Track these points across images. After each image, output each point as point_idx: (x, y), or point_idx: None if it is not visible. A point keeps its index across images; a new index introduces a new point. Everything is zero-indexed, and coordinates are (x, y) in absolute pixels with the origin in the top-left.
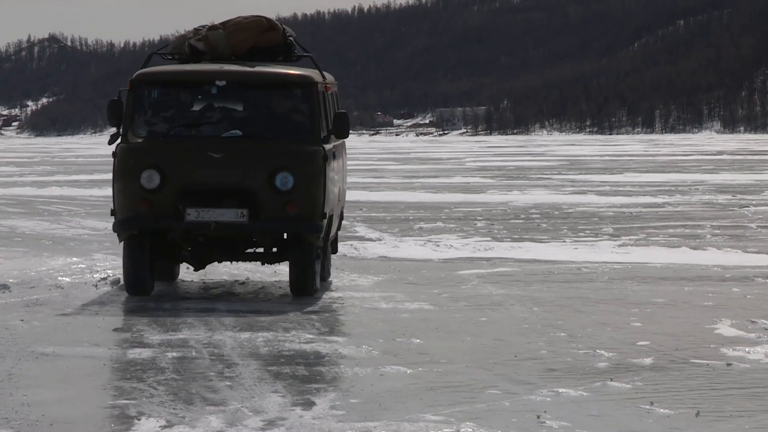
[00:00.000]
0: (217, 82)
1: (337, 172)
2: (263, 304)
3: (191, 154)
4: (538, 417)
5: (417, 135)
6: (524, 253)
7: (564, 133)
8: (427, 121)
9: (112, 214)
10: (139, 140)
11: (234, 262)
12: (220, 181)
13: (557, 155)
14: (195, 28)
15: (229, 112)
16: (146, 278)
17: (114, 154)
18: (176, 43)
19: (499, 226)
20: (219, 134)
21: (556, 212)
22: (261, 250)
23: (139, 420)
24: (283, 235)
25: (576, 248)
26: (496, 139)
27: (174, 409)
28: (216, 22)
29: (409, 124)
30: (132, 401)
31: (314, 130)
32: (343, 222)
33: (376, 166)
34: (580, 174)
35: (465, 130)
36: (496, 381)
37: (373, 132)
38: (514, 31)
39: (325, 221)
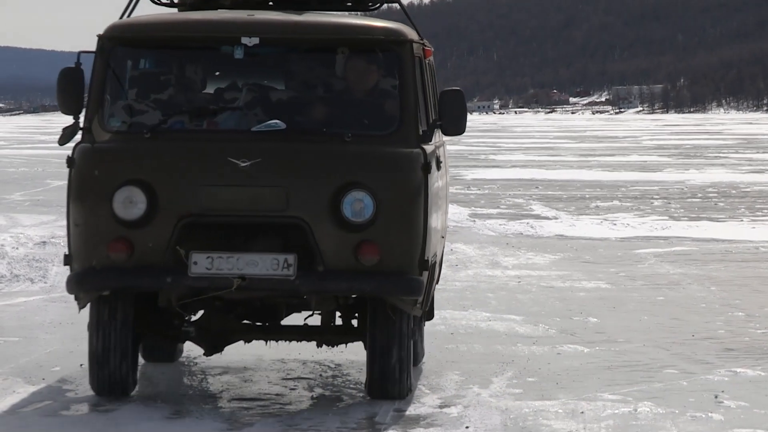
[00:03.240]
0: (244, 41)
1: (441, 188)
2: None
3: (200, 162)
4: (716, 397)
5: (593, 113)
6: (701, 232)
7: (741, 112)
8: (602, 100)
9: (66, 263)
10: (112, 137)
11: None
12: (248, 207)
13: (734, 134)
14: None
15: (265, 92)
16: (125, 369)
17: (69, 161)
18: None
19: (675, 205)
20: (248, 128)
21: (734, 191)
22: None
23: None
24: (352, 298)
25: (754, 227)
26: (672, 118)
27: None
28: None
29: (584, 102)
30: (309, 377)
31: (407, 119)
32: (519, 201)
33: (551, 144)
34: (758, 153)
35: (641, 109)
36: (674, 360)
37: (548, 110)
38: (691, 9)
39: (426, 274)
